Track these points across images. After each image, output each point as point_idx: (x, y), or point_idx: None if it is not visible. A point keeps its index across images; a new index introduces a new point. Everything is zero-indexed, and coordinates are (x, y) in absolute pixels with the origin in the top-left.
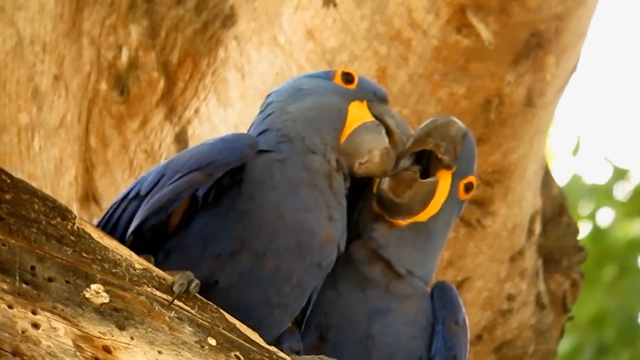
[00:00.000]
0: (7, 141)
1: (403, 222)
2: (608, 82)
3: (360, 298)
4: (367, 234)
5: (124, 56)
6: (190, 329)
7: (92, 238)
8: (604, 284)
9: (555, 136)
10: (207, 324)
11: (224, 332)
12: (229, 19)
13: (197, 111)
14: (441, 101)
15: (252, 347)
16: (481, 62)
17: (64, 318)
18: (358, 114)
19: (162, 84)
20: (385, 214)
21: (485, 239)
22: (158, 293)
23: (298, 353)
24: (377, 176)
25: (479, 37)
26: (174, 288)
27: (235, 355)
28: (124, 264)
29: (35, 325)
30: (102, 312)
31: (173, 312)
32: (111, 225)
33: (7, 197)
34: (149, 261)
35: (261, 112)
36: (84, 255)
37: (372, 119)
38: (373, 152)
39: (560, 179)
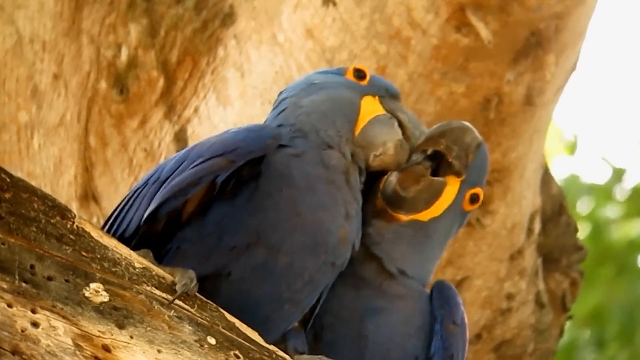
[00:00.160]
0: (6, 140)
1: (404, 217)
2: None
3: (353, 297)
4: (366, 230)
5: (124, 55)
6: (190, 327)
7: (92, 237)
8: (603, 283)
9: (553, 135)
10: (206, 322)
11: (223, 331)
12: (229, 18)
13: (196, 110)
14: (440, 100)
15: (252, 346)
16: (481, 61)
17: (64, 317)
18: (370, 107)
19: (161, 82)
20: (388, 207)
21: (484, 238)
22: (157, 292)
23: (302, 354)
24: (391, 169)
25: (479, 36)
26: (177, 287)
27: (235, 354)
28: (123, 262)
29: (35, 324)
30: (102, 311)
31: (172, 311)
32: (129, 210)
33: (7, 195)
34: (146, 256)
35: (274, 108)
36: (84, 254)
37: (385, 112)
38: (387, 145)
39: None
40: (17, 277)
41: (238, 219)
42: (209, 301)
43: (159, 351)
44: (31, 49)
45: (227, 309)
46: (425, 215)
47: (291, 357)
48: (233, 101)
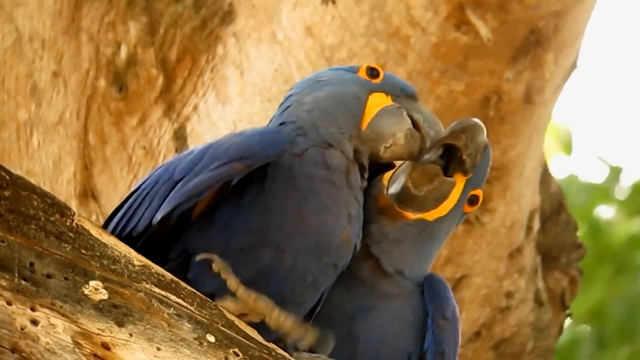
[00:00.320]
0: (5, 138)
1: (412, 215)
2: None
3: (344, 296)
4: (367, 228)
5: (123, 53)
6: (189, 325)
7: (91, 235)
8: (602, 281)
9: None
10: (206, 320)
11: (222, 328)
12: (228, 16)
13: (195, 108)
14: (440, 98)
15: (251, 344)
16: (480, 59)
17: (63, 315)
18: (378, 102)
19: (160, 80)
20: (396, 204)
21: (483, 236)
22: (157, 290)
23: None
24: (404, 159)
25: (478, 34)
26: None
27: (234, 352)
28: (122, 260)
29: (34, 322)
30: (101, 309)
31: (172, 309)
32: (137, 208)
33: (6, 193)
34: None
35: (280, 105)
36: (83, 251)
37: (393, 103)
38: (397, 135)
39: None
40: (16, 274)
41: (245, 220)
42: (208, 299)
43: (158, 349)
44: (30, 47)
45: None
46: (432, 215)
47: (290, 355)
48: (232, 99)
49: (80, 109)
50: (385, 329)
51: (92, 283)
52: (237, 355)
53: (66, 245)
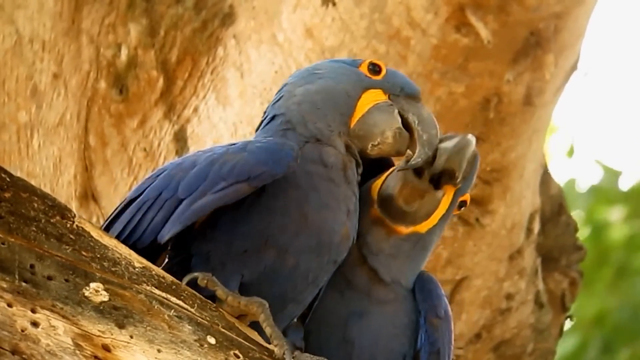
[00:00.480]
0: (6, 139)
1: (404, 229)
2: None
3: (338, 302)
4: (362, 237)
5: (123, 55)
6: (190, 327)
7: (92, 236)
8: (603, 284)
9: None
10: (206, 322)
11: (223, 330)
12: (228, 18)
13: (196, 110)
14: (440, 100)
15: (251, 346)
16: (480, 61)
17: (64, 316)
18: (372, 99)
19: (161, 82)
20: (387, 219)
21: (484, 238)
22: (157, 291)
23: (300, 350)
24: (391, 155)
25: (478, 36)
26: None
27: (235, 354)
28: (123, 262)
29: (35, 324)
30: (102, 311)
31: (172, 311)
32: (140, 221)
33: (7, 195)
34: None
35: (276, 93)
36: (84, 253)
37: (386, 99)
38: (385, 134)
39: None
40: (17, 276)
41: (247, 222)
42: (209, 301)
43: (158, 351)
44: (31, 48)
45: None
46: (423, 227)
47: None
48: (233, 101)
49: (80, 110)
50: (379, 333)
51: (93, 285)
52: (238, 357)
53: (67, 247)
